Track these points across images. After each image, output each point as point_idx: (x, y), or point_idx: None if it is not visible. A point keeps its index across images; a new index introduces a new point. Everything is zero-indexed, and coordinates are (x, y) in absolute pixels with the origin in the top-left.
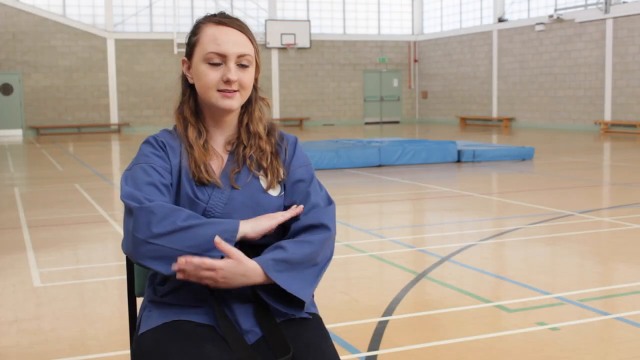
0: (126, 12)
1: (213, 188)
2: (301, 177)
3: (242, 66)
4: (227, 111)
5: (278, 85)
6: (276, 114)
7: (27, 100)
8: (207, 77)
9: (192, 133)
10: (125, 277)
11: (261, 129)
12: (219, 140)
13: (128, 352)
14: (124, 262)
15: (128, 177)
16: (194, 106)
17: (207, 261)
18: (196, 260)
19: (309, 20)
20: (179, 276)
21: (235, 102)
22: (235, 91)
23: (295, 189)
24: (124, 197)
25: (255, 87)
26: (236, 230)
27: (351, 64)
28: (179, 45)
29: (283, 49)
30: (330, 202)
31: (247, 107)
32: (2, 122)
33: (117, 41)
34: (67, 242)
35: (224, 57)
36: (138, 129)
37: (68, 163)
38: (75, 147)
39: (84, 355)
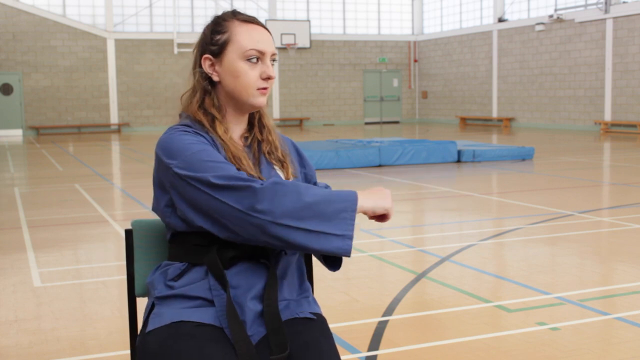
0: (126, 12)
1: None
2: (315, 177)
3: (272, 64)
4: (258, 108)
5: (278, 85)
6: (276, 114)
7: (27, 100)
8: (248, 75)
9: (220, 128)
10: (125, 277)
11: (271, 123)
12: (236, 134)
13: (128, 352)
14: (124, 262)
15: (194, 166)
16: (218, 103)
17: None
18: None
19: (309, 20)
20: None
21: (266, 100)
22: (267, 88)
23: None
24: (225, 179)
25: None
26: (354, 208)
27: (351, 64)
28: (179, 45)
29: (283, 49)
30: None
31: None
32: (2, 122)
33: (117, 41)
34: (67, 242)
35: (262, 55)
36: (138, 129)
37: (68, 163)
38: (75, 147)
39: (84, 355)
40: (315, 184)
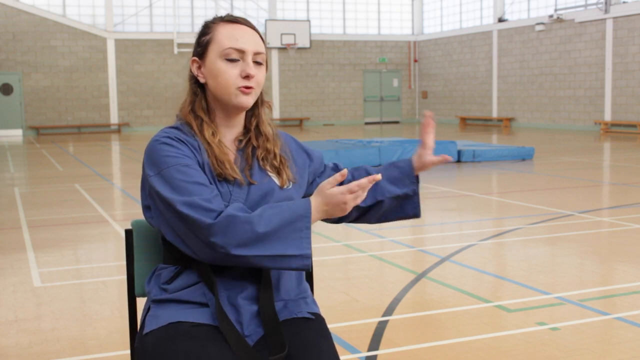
0: (126, 12)
1: (233, 184)
2: (323, 164)
3: (257, 64)
4: (243, 108)
5: (278, 85)
6: (276, 114)
7: (27, 100)
8: (226, 74)
9: (207, 131)
10: (125, 277)
11: (269, 130)
12: (228, 137)
13: (128, 352)
14: (124, 262)
15: (166, 185)
16: (205, 105)
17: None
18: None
19: (309, 20)
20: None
21: (251, 100)
22: (252, 88)
23: (327, 173)
24: (188, 207)
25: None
26: (309, 226)
27: (351, 64)
28: (179, 45)
29: (283, 49)
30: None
31: (254, 109)
32: (2, 122)
33: (117, 41)
34: (67, 242)
35: (242, 53)
36: (138, 129)
37: (68, 163)
38: (75, 147)
39: (84, 355)
40: (325, 166)
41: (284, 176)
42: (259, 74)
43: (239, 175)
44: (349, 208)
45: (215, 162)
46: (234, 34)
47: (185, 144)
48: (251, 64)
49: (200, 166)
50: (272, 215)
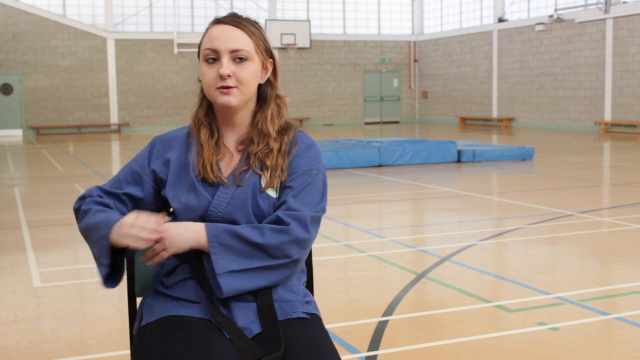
0: (126, 12)
1: (218, 186)
2: (293, 183)
3: (240, 61)
4: (227, 108)
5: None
6: None
7: (27, 100)
8: (206, 76)
9: (204, 134)
10: (125, 277)
11: (271, 128)
12: (231, 139)
13: (128, 352)
14: (124, 262)
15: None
16: (206, 107)
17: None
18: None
19: (309, 20)
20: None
21: (233, 99)
22: (232, 87)
23: (284, 192)
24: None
25: (273, 86)
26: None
27: (351, 64)
28: (179, 45)
29: (283, 49)
30: (316, 212)
31: (262, 107)
32: (2, 122)
33: (117, 41)
34: (67, 242)
35: (217, 53)
36: (138, 129)
37: (68, 163)
38: (75, 147)
39: (84, 355)
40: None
41: (266, 179)
42: (240, 71)
43: (218, 177)
44: (127, 241)
45: (201, 164)
46: (212, 34)
47: (161, 145)
48: (226, 63)
49: (147, 172)
50: (98, 214)
